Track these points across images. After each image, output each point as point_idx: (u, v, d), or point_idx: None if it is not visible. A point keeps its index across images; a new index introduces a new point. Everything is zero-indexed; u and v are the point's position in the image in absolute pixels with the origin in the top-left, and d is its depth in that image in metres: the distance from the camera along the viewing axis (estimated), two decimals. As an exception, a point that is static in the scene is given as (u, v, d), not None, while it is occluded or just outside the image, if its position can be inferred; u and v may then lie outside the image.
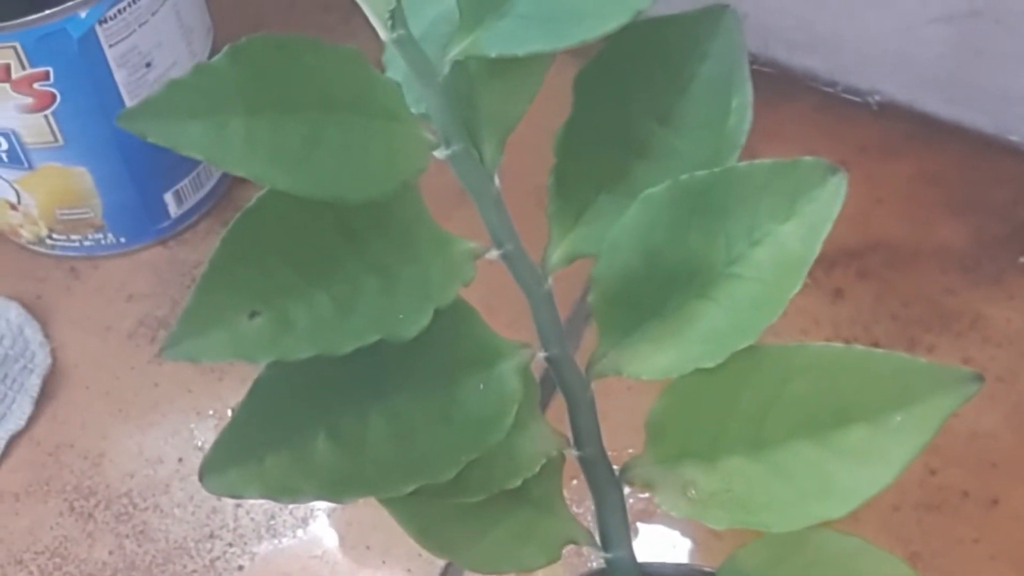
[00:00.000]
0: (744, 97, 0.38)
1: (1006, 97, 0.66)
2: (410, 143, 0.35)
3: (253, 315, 0.33)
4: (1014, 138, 0.67)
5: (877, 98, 0.69)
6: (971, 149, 0.67)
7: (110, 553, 0.59)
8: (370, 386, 0.35)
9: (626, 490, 0.39)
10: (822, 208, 0.36)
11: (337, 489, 0.35)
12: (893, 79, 0.69)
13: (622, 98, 0.38)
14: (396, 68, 0.36)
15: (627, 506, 0.40)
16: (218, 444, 0.34)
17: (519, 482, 0.36)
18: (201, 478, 0.34)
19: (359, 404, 0.35)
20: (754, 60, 0.71)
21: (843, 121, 0.69)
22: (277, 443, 0.34)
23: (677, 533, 0.58)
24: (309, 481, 0.34)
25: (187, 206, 0.68)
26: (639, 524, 0.58)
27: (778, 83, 0.70)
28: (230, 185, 0.70)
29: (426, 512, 0.37)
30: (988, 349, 0.61)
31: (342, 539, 0.59)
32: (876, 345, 0.62)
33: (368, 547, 0.58)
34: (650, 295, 0.37)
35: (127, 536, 0.60)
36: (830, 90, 0.70)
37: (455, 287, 0.34)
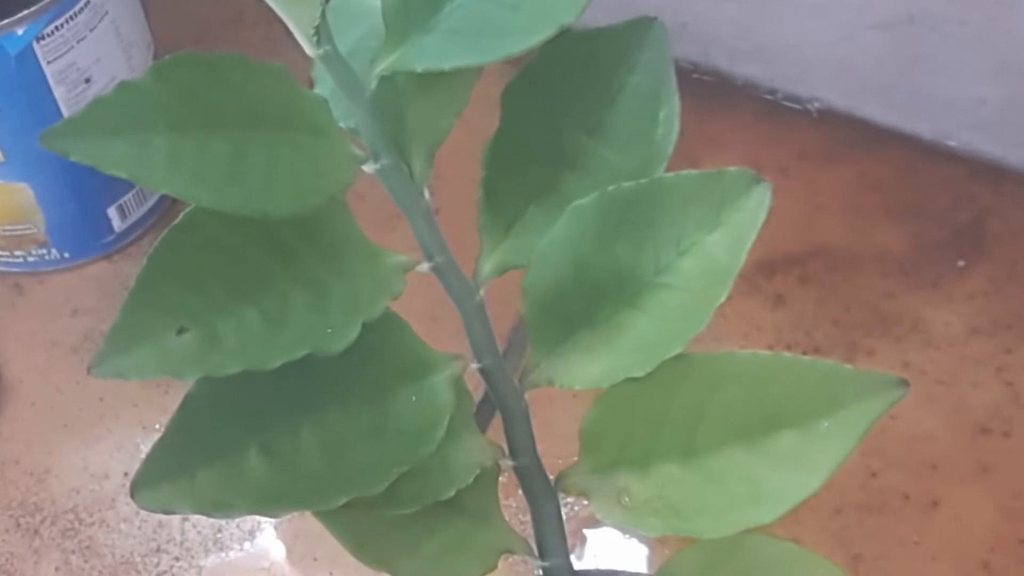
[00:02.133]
0: (672, 108, 0.38)
1: (944, 103, 0.67)
2: (337, 158, 0.35)
3: (181, 331, 0.33)
4: (952, 144, 0.68)
5: (817, 105, 0.70)
6: (910, 155, 0.68)
7: (56, 569, 0.59)
8: (302, 400, 0.36)
9: (568, 498, 0.39)
10: (747, 218, 0.36)
11: (270, 503, 0.35)
12: (833, 86, 0.69)
13: (551, 110, 0.39)
14: (324, 84, 0.36)
15: (574, 513, 0.40)
16: (149, 459, 0.34)
17: (452, 493, 0.36)
18: (132, 494, 0.34)
19: (291, 418, 0.35)
20: (695, 69, 0.72)
21: (784, 128, 0.70)
22: (209, 458, 0.35)
23: (629, 538, 0.59)
24: (242, 496, 0.34)
25: (131, 220, 0.68)
26: (585, 531, 0.58)
27: (719, 91, 0.71)
28: (174, 200, 0.70)
29: (361, 525, 0.37)
30: (928, 352, 0.62)
31: (289, 551, 0.59)
32: (817, 350, 0.62)
33: (315, 559, 0.58)
34: (581, 305, 0.37)
35: (73, 552, 0.59)
36: (770, 98, 0.71)
37: (384, 300, 0.35)
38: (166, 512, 0.34)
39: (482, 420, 0.39)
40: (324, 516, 0.36)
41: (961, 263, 0.65)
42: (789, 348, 0.62)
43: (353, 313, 0.34)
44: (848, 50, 0.67)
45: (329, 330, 0.33)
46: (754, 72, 0.71)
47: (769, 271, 0.65)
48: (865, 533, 0.57)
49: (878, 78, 0.68)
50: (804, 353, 0.62)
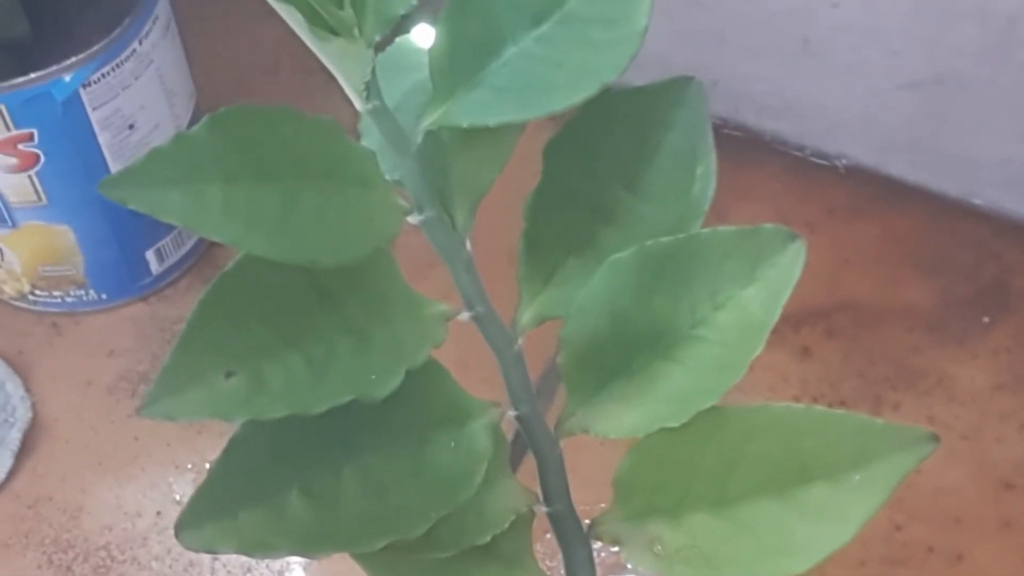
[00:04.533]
0: (708, 165, 0.39)
1: (970, 161, 0.68)
2: (384, 209, 0.35)
3: (229, 375, 0.34)
4: (978, 201, 0.69)
5: (844, 162, 0.71)
6: (936, 212, 0.69)
7: (88, 607, 0.59)
8: (343, 444, 0.36)
9: (596, 544, 0.40)
10: (782, 273, 0.37)
11: (310, 544, 0.35)
12: (860, 143, 0.70)
13: (590, 165, 0.39)
14: (371, 136, 0.37)
15: (600, 560, 0.40)
16: (194, 500, 0.35)
17: (489, 538, 0.37)
18: (177, 534, 0.34)
19: (332, 461, 0.36)
20: (724, 124, 0.72)
21: (811, 184, 0.70)
22: (252, 499, 0.35)
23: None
24: (283, 537, 0.35)
25: (168, 263, 0.69)
26: (611, 578, 0.59)
27: (748, 147, 0.72)
28: (211, 244, 0.71)
29: (398, 567, 0.38)
30: (952, 407, 0.62)
31: (318, 592, 0.59)
32: (843, 403, 0.63)
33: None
34: (617, 356, 0.38)
35: (105, 590, 0.60)
36: (799, 154, 0.71)
37: (427, 349, 0.35)
38: (209, 551, 0.35)
39: (512, 461, 0.40)
40: (363, 558, 0.37)
41: (986, 319, 0.65)
42: (815, 400, 0.63)
43: (396, 361, 0.35)
44: (876, 108, 0.68)
45: (373, 376, 0.34)
46: (783, 128, 0.71)
47: (796, 323, 0.66)
48: (890, 586, 0.58)
49: (905, 136, 0.68)
50: (830, 406, 0.63)
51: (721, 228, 0.37)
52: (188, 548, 0.34)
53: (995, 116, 0.65)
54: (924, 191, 0.69)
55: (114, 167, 0.62)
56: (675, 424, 0.36)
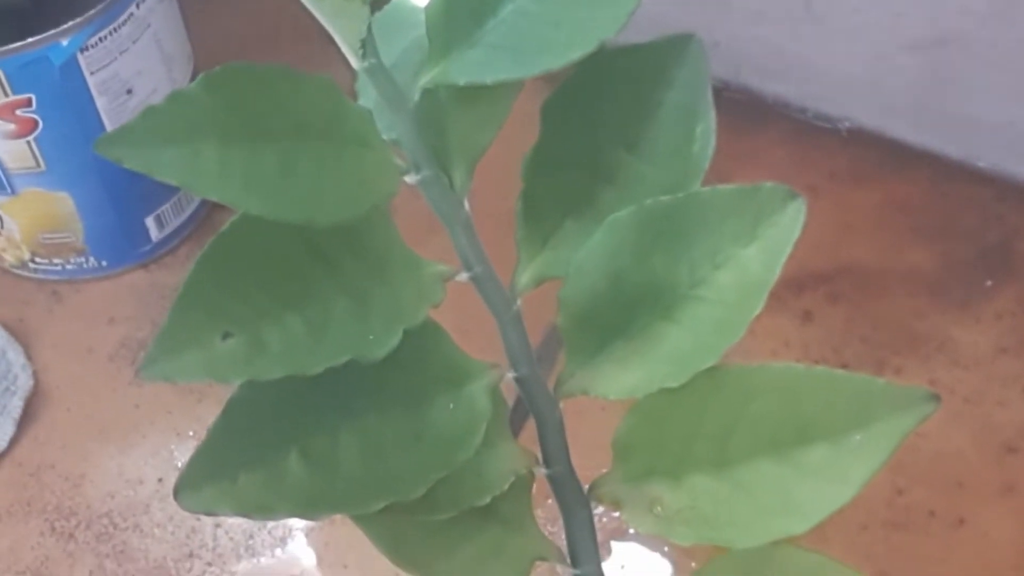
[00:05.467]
0: (708, 124, 0.39)
1: (973, 124, 0.67)
2: (381, 169, 0.35)
3: (227, 336, 0.34)
4: (981, 164, 0.68)
5: (847, 125, 0.70)
6: (939, 175, 0.69)
7: (90, 573, 0.59)
8: (342, 406, 0.36)
9: (598, 509, 0.40)
10: (782, 232, 0.37)
11: (309, 506, 0.35)
12: (863, 106, 0.70)
13: (589, 124, 0.39)
14: (368, 96, 0.37)
15: (601, 525, 0.40)
16: (193, 462, 0.35)
17: (488, 500, 0.37)
18: (176, 495, 0.34)
19: (331, 423, 0.36)
20: (726, 87, 0.72)
21: (813, 147, 0.70)
22: (250, 461, 0.35)
23: (654, 551, 0.59)
24: (282, 499, 0.35)
25: (168, 230, 0.69)
26: (612, 542, 0.59)
27: (750, 110, 0.71)
28: (210, 210, 0.71)
29: (397, 529, 0.37)
30: (955, 371, 0.62)
31: (320, 558, 0.59)
32: (845, 367, 0.63)
33: (345, 566, 0.59)
34: (616, 316, 0.38)
35: (107, 556, 0.60)
36: (801, 117, 0.71)
37: (425, 308, 0.35)
38: (208, 514, 0.35)
39: (514, 426, 0.40)
40: (361, 520, 0.37)
41: (989, 283, 0.65)
42: (817, 364, 0.62)
43: (394, 320, 0.34)
44: (879, 71, 0.68)
45: (371, 337, 0.34)
46: (785, 91, 0.71)
47: (798, 288, 0.65)
48: (891, 550, 0.57)
49: (908, 99, 0.68)
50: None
51: (721, 187, 0.37)
52: (186, 510, 0.34)
53: (999, 78, 0.65)
54: (927, 154, 0.69)
55: (112, 132, 0.61)
56: (675, 384, 0.36)
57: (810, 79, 0.70)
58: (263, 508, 0.35)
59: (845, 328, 0.64)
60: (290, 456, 0.35)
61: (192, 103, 0.32)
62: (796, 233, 0.37)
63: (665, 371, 0.37)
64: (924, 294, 0.65)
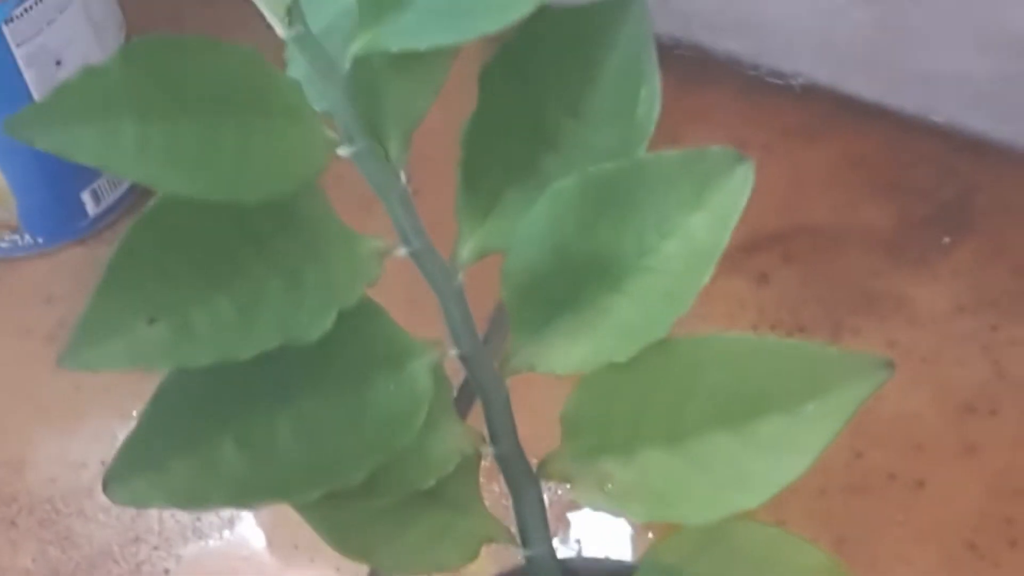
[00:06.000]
0: (653, 86, 0.38)
1: (928, 77, 0.67)
2: (311, 142, 0.34)
3: (152, 321, 0.32)
4: (937, 119, 0.68)
5: (800, 81, 0.69)
6: (894, 130, 0.68)
7: (33, 560, 0.58)
8: (277, 390, 0.35)
9: (552, 484, 0.39)
10: (730, 198, 0.36)
11: (246, 496, 0.34)
12: (816, 61, 0.69)
13: (530, 89, 0.38)
14: (298, 65, 0.36)
15: (558, 498, 0.39)
16: (121, 453, 0.34)
17: (432, 482, 0.36)
18: (104, 488, 0.33)
19: (266, 408, 0.35)
20: (676, 44, 0.71)
21: (766, 104, 0.69)
22: (182, 450, 0.34)
23: (613, 521, 0.58)
24: (216, 488, 0.34)
25: (105, 204, 0.67)
26: (569, 515, 0.58)
27: (701, 67, 0.70)
28: (149, 183, 0.69)
29: (340, 516, 0.37)
30: (913, 331, 0.62)
31: (269, 540, 0.58)
32: (802, 329, 0.62)
33: (296, 546, 0.58)
34: (562, 289, 0.37)
35: (51, 542, 0.59)
36: (753, 73, 0.70)
37: (360, 287, 0.34)
38: (139, 507, 0.33)
39: (462, 407, 0.39)
40: (303, 508, 0.36)
41: (946, 240, 0.64)
42: (773, 328, 0.62)
43: (328, 300, 0.33)
44: (831, 25, 0.67)
45: (304, 319, 0.33)
46: (736, 47, 0.70)
47: (752, 249, 0.65)
48: (850, 514, 0.57)
49: (861, 53, 0.67)
50: (789, 332, 0.62)
51: (666, 152, 0.36)
52: (116, 502, 0.33)
53: (953, 30, 0.64)
54: (881, 109, 0.68)
55: (42, 106, 0.59)
56: (623, 358, 0.35)
57: (762, 34, 0.69)
58: (196, 498, 0.34)
59: (801, 289, 0.63)
60: (224, 442, 0.34)
61: (108, 78, 0.31)
62: (744, 199, 0.36)
63: (613, 344, 0.36)
64: (880, 252, 0.64)
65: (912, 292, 0.63)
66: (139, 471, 0.34)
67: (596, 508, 0.37)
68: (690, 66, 0.70)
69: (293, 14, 0.34)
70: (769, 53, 0.69)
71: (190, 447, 0.34)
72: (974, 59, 0.65)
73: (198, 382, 0.34)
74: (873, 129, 0.68)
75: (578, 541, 0.57)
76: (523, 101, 0.38)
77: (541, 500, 0.39)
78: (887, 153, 0.67)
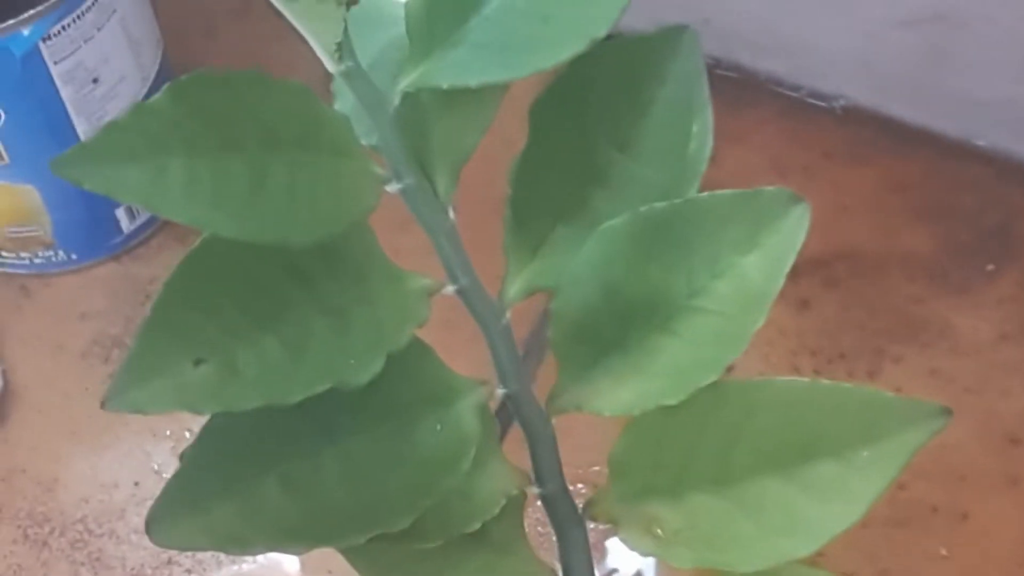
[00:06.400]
0: (705, 121, 0.37)
1: (972, 101, 0.66)
2: (360, 179, 0.34)
3: (199, 362, 0.32)
4: (980, 143, 0.67)
5: (842, 103, 0.69)
6: (937, 155, 0.67)
7: (64, 582, 0.58)
8: (323, 429, 0.34)
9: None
10: (785, 239, 0.35)
11: (290, 539, 0.34)
12: (858, 84, 0.68)
13: (580, 125, 0.37)
14: (346, 99, 0.35)
15: (594, 525, 0.39)
16: (164, 493, 0.33)
17: (478, 525, 0.35)
18: (148, 530, 0.33)
19: (312, 448, 0.34)
20: (717, 65, 0.70)
21: (808, 126, 0.68)
22: (226, 491, 0.34)
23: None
24: (260, 531, 0.33)
25: (140, 221, 0.67)
26: (607, 543, 0.57)
27: (741, 88, 0.70)
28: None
29: (383, 558, 0.36)
30: (956, 359, 0.61)
31: (303, 564, 0.58)
32: (842, 356, 0.61)
33: (329, 571, 0.57)
34: (611, 329, 0.36)
35: (83, 564, 0.58)
36: (794, 95, 0.69)
37: (409, 329, 0.33)
38: (182, 550, 0.33)
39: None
40: (346, 550, 0.35)
41: (990, 267, 0.64)
42: (814, 354, 0.61)
43: (377, 342, 0.33)
44: (874, 47, 0.66)
45: (352, 361, 0.32)
46: (778, 68, 0.69)
47: (793, 274, 0.63)
48: (893, 547, 0.56)
49: (905, 76, 0.66)
50: (829, 360, 0.61)
51: (719, 192, 0.35)
52: (159, 545, 0.33)
53: (998, 55, 0.63)
54: (925, 133, 0.67)
55: (78, 122, 0.59)
56: (673, 401, 0.35)
57: (804, 56, 0.68)
58: (240, 541, 0.33)
59: (842, 315, 0.63)
60: (268, 484, 0.34)
61: (157, 115, 0.31)
62: (799, 240, 0.35)
63: (663, 387, 0.35)
64: (923, 278, 0.64)
65: (955, 320, 0.62)
66: (182, 513, 0.33)
67: (643, 552, 0.37)
68: (730, 87, 0.69)
69: (343, 49, 0.33)
70: (811, 74, 0.69)
71: (234, 488, 0.34)
72: (1018, 84, 0.64)
73: (243, 422, 0.34)
74: (916, 153, 0.67)
75: (616, 571, 0.56)
76: (574, 137, 0.37)
77: (587, 541, 0.39)
78: (930, 178, 0.66)
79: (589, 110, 0.37)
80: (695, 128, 0.37)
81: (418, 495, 0.34)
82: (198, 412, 0.32)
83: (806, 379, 0.35)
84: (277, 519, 0.33)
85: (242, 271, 0.33)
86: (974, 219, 0.65)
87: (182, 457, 0.34)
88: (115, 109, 0.60)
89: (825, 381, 0.35)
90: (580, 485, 0.46)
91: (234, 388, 0.32)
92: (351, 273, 0.34)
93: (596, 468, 0.37)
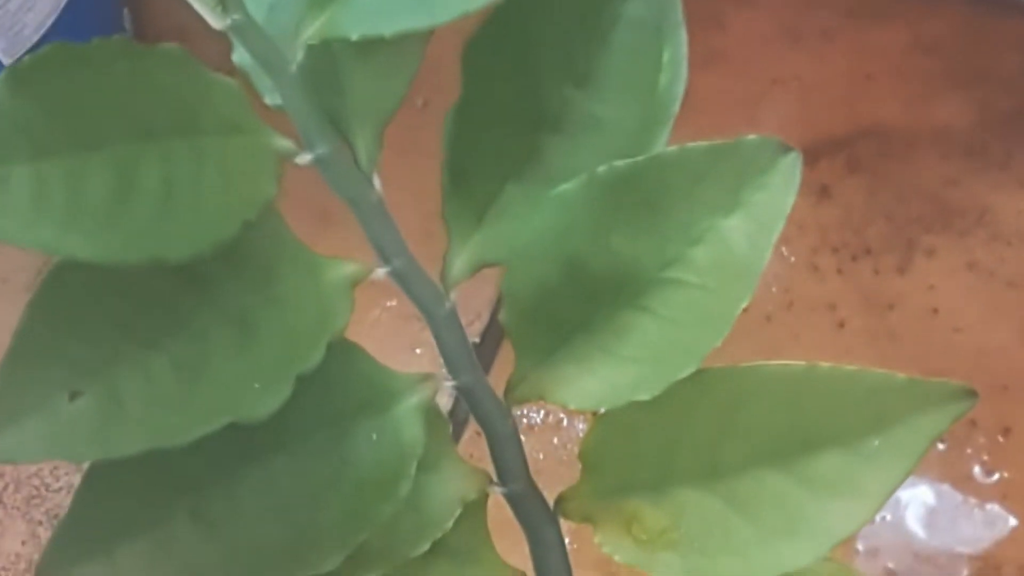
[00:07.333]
0: (678, 48, 0.33)
1: (1012, -55, 0.60)
2: (256, 159, 0.29)
3: (75, 395, 0.28)
4: (1022, -7, 0.61)
5: (863, -45, 0.63)
6: (975, 10, 0.61)
7: (23, 543, 0.55)
8: (238, 448, 0.31)
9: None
10: (773, 197, 0.31)
11: (206, 582, 0.30)
12: (881, -69, 0.62)
13: (525, 62, 0.33)
14: (242, 57, 0.31)
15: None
16: (56, 539, 0.30)
17: (427, 545, 0.32)
18: (38, 581, 0.29)
19: (227, 470, 0.31)
20: (720, -84, 0.64)
21: (825, -18, 0.63)
22: (129, 531, 0.30)
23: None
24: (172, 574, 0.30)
25: None
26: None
27: (748, -58, 0.64)
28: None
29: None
30: (997, 248, 0.56)
31: None
32: (869, 251, 0.57)
33: None
34: (573, 307, 0.32)
35: (40, 523, 0.56)
36: (809, -53, 0.63)
37: (325, 337, 0.29)
38: (84, 603, 0.30)
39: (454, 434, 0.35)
40: None
41: (1034, 139, 0.58)
42: (836, 251, 0.57)
43: (287, 357, 0.29)
44: None
45: (256, 384, 0.28)
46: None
47: (812, 157, 0.59)
48: (926, 467, 0.53)
49: (934, -79, 0.60)
50: (854, 256, 0.57)
51: (691, 145, 0.31)
52: (53, 603, 0.29)
53: None
54: (958, -15, 0.62)
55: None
56: (647, 396, 0.31)
57: (818, -97, 0.62)
58: (149, 587, 0.30)
59: (867, 203, 0.58)
60: (178, 519, 0.30)
61: (-5, 112, 0.26)
62: (790, 198, 0.31)
63: (636, 376, 0.31)
64: (958, 156, 0.59)
65: (995, 202, 0.57)
66: (81, 561, 0.30)
67: (623, 558, 0.33)
68: (736, -58, 0.63)
69: (227, 1, 0.28)
70: (827, -77, 0.63)
71: (138, 527, 0.30)
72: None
73: (141, 449, 0.30)
74: (948, 9, 0.61)
75: None
76: (519, 76, 0.33)
77: (561, 540, 0.35)
78: (966, 36, 0.61)
79: (536, 42, 0.33)
80: (666, 56, 0.33)
81: (353, 526, 0.30)
82: (77, 460, 0.28)
83: (801, 363, 0.31)
84: (191, 561, 0.30)
85: (119, 280, 0.28)
86: (1015, 83, 0.60)
87: (74, 492, 0.30)
88: (33, 22, 0.55)
89: (824, 364, 0.31)
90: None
91: (118, 426, 0.28)
92: (257, 267, 0.30)
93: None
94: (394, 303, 0.50)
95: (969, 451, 0.53)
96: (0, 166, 0.26)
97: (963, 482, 0.52)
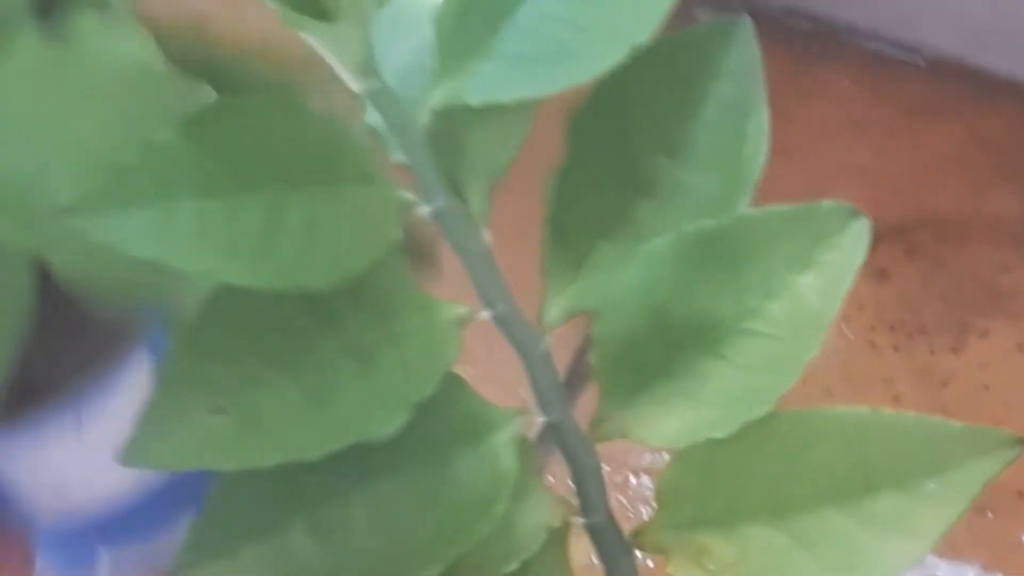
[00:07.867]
0: (760, 121, 0.36)
1: (1066, 48, 0.64)
2: (383, 208, 0.33)
3: (218, 411, 0.32)
4: (1075, 93, 0.65)
5: (924, 54, 0.67)
6: (1026, 108, 0.65)
7: None
8: (353, 468, 0.34)
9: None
10: (843, 257, 0.34)
11: (319, 586, 0.34)
12: (942, 33, 0.66)
13: (623, 131, 0.37)
14: (371, 117, 0.35)
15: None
16: (190, 538, 0.33)
17: (516, 565, 0.35)
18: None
19: (340, 490, 0.34)
20: (791, 13, 0.68)
21: (888, 79, 0.67)
22: (252, 535, 0.34)
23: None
24: (288, 577, 0.34)
25: None
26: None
27: (817, 39, 0.68)
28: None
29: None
30: (1047, 333, 0.60)
31: None
32: (924, 331, 0.60)
33: None
34: (656, 353, 0.36)
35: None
36: (874, 46, 0.67)
37: (438, 372, 0.33)
38: (211, 596, 0.33)
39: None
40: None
41: (1084, 231, 0.62)
42: (892, 329, 0.60)
43: (404, 388, 0.32)
44: (959, -8, 0.64)
45: (378, 411, 0.32)
46: (856, 18, 0.67)
47: (873, 243, 0.62)
48: (974, 537, 0.55)
49: (992, 24, 0.64)
50: (910, 335, 0.60)
51: (772, 208, 0.34)
52: (188, 594, 0.33)
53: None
54: (1013, 84, 0.65)
55: None
56: (722, 435, 0.34)
57: (883, 3, 0.66)
58: (268, 588, 0.33)
59: (923, 286, 0.61)
60: (296, 528, 0.34)
61: (165, 154, 0.30)
62: (860, 258, 0.35)
63: (712, 417, 0.35)
64: (1010, 244, 0.62)
65: (1046, 290, 0.61)
66: (210, 558, 0.33)
67: (695, 586, 0.36)
68: (805, 39, 0.67)
69: (367, 67, 0.33)
70: (891, 24, 0.67)
71: (260, 532, 0.34)
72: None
73: (269, 463, 0.34)
74: (1004, 107, 0.65)
75: None
76: (617, 144, 0.37)
77: (635, 571, 0.38)
78: (1019, 135, 0.64)
79: (633, 115, 0.37)
80: (749, 129, 0.36)
81: (451, 542, 0.33)
82: (219, 468, 0.32)
83: (865, 408, 0.34)
84: (305, 566, 0.33)
85: (261, 313, 0.32)
86: (1068, 179, 0.63)
87: (207, 497, 0.34)
88: None
89: (887, 411, 0.34)
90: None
91: (255, 441, 0.32)
92: (379, 306, 0.34)
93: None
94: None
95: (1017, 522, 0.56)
96: (171, 200, 0.30)
97: (1011, 551, 0.55)
